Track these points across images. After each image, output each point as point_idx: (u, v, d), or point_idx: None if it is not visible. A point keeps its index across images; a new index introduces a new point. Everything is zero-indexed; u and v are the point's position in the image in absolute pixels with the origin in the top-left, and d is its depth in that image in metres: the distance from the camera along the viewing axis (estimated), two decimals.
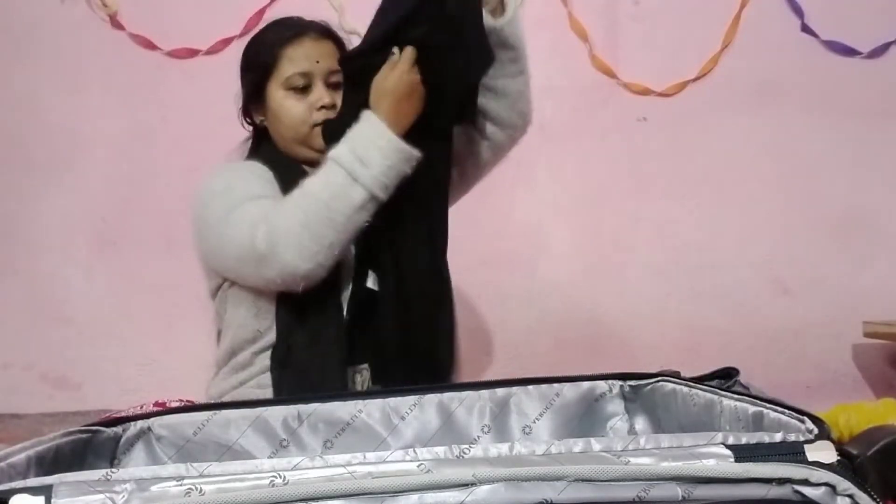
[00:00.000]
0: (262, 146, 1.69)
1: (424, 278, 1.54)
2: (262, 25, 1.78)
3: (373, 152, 1.42)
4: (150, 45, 2.74)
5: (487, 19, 1.51)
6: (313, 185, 1.45)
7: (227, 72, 2.74)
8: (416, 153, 1.44)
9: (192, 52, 2.74)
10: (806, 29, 2.80)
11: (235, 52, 2.71)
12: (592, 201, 2.81)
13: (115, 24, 2.74)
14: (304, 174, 1.55)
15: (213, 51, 2.73)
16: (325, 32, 1.65)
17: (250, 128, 1.72)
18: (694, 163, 2.81)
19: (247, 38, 2.71)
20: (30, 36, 2.74)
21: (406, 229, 1.51)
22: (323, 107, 1.58)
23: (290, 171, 1.59)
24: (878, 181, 2.83)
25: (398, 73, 1.43)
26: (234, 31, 2.73)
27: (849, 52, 2.81)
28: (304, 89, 1.59)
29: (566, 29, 2.79)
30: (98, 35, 2.74)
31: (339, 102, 1.58)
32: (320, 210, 1.42)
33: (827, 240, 2.81)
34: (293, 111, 1.60)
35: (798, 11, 2.80)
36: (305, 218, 1.42)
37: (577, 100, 2.80)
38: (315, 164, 1.56)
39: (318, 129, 1.57)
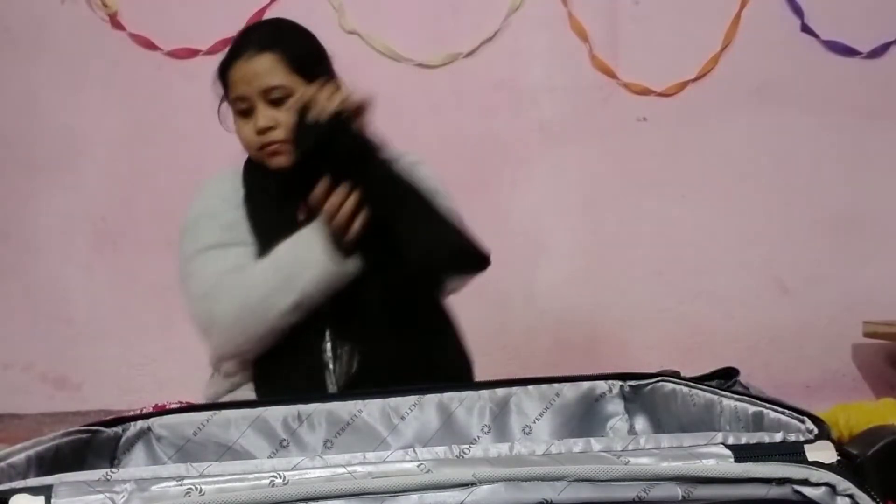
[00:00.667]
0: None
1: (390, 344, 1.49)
2: None
3: (309, 265, 1.42)
4: (150, 45, 2.74)
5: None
6: (255, 276, 1.45)
7: None
8: (351, 269, 1.42)
9: (192, 52, 2.74)
10: (806, 29, 2.80)
11: None
12: (592, 201, 2.81)
13: (115, 24, 2.74)
14: (274, 184, 1.56)
15: (213, 51, 2.73)
16: (263, 45, 1.57)
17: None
18: (694, 163, 2.81)
19: None
20: (30, 36, 2.74)
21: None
22: (259, 131, 1.54)
23: (264, 182, 1.59)
24: (877, 181, 2.83)
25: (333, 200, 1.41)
26: (234, 31, 2.70)
27: (849, 52, 2.81)
28: (248, 112, 1.56)
29: (566, 29, 2.79)
30: (98, 35, 2.74)
31: (282, 120, 1.53)
32: (255, 306, 1.43)
33: (827, 240, 2.81)
34: (242, 135, 1.58)
35: (798, 11, 2.80)
36: (240, 312, 1.44)
37: (577, 100, 2.81)
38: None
39: (269, 150, 1.55)
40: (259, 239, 1.53)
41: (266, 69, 1.55)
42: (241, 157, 1.70)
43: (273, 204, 1.57)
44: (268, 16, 2.72)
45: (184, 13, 2.75)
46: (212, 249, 1.53)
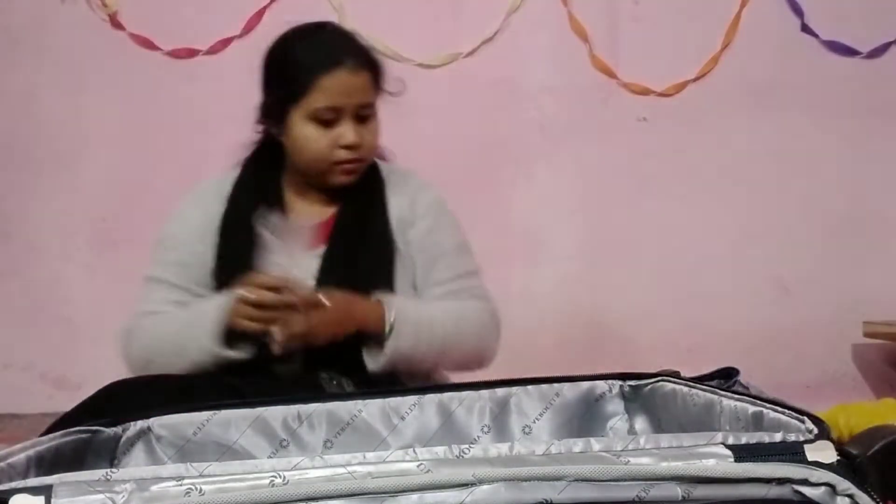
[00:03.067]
0: (267, 159, 1.61)
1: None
2: (283, 26, 1.64)
3: (195, 342, 1.44)
4: (150, 45, 2.74)
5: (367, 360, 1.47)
6: (160, 333, 1.51)
7: (227, 72, 2.77)
8: (238, 356, 1.43)
9: (192, 52, 2.74)
10: (806, 29, 2.80)
11: (235, 52, 2.75)
12: (592, 201, 2.81)
13: (115, 24, 2.74)
14: (280, 187, 1.58)
15: (213, 51, 2.73)
16: (364, 60, 1.53)
17: (260, 134, 1.64)
18: (694, 163, 2.81)
19: (247, 39, 2.78)
20: (30, 36, 2.74)
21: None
22: (347, 146, 1.51)
23: (272, 180, 1.59)
24: (877, 181, 2.83)
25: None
26: (234, 31, 2.73)
27: (849, 52, 2.81)
28: (331, 122, 1.50)
29: (566, 29, 2.79)
30: (98, 35, 2.74)
31: (365, 139, 1.52)
32: (159, 360, 1.48)
33: (827, 240, 2.81)
34: (314, 145, 1.51)
35: (798, 11, 2.80)
36: (146, 363, 1.50)
37: (577, 100, 2.80)
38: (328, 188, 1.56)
39: (338, 168, 1.52)
40: (220, 258, 1.55)
41: (367, 85, 1.53)
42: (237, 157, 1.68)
43: (259, 217, 1.56)
44: (268, 16, 2.72)
45: (184, 13, 2.75)
46: (155, 283, 1.58)
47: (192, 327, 1.45)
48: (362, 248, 1.55)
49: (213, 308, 1.44)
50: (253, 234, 1.54)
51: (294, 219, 1.58)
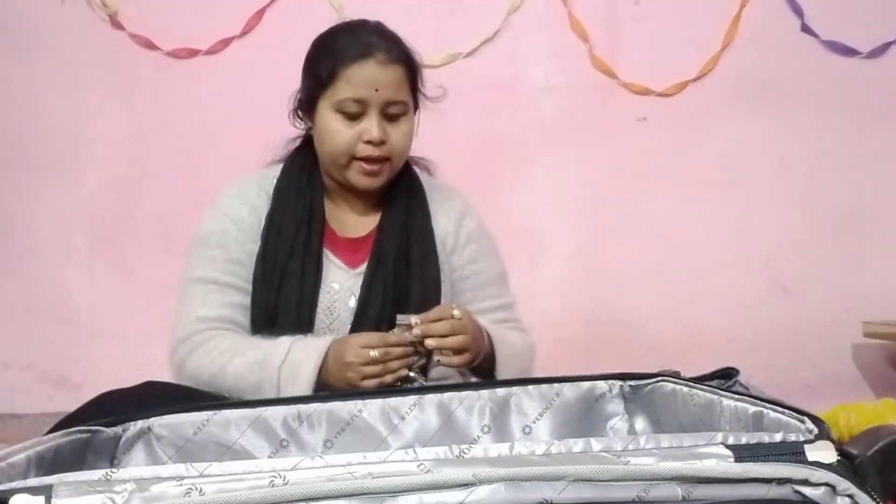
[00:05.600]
0: (303, 153, 1.58)
1: None
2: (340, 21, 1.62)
3: (288, 389, 1.35)
4: (150, 45, 2.74)
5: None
6: (234, 364, 1.40)
7: (227, 72, 2.77)
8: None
9: (192, 52, 2.74)
10: (806, 29, 2.80)
11: (235, 52, 2.75)
12: (592, 201, 2.81)
13: (115, 24, 2.74)
14: (319, 193, 1.52)
15: (213, 51, 2.73)
16: (396, 55, 1.49)
17: (302, 127, 1.60)
18: (694, 163, 2.81)
19: (247, 39, 2.78)
20: (30, 36, 2.74)
21: None
22: (370, 141, 1.46)
23: (311, 186, 1.53)
24: (877, 181, 2.83)
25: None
26: (234, 31, 2.73)
27: (849, 52, 2.81)
28: (356, 116, 1.46)
29: (566, 29, 2.79)
30: (98, 35, 2.74)
31: (392, 139, 1.47)
32: (221, 385, 1.40)
33: (827, 240, 2.81)
34: (337, 136, 1.47)
35: (798, 11, 2.80)
36: (207, 382, 1.41)
37: (577, 100, 2.80)
38: (350, 189, 1.52)
39: (357, 164, 1.48)
40: (266, 260, 1.48)
41: (397, 81, 1.48)
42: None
43: (300, 226, 1.50)
44: (268, 16, 2.73)
45: (184, 13, 2.75)
46: (209, 284, 1.48)
47: (279, 371, 1.37)
48: (408, 269, 1.51)
49: (312, 359, 1.36)
50: (296, 242, 1.49)
51: (335, 228, 1.54)
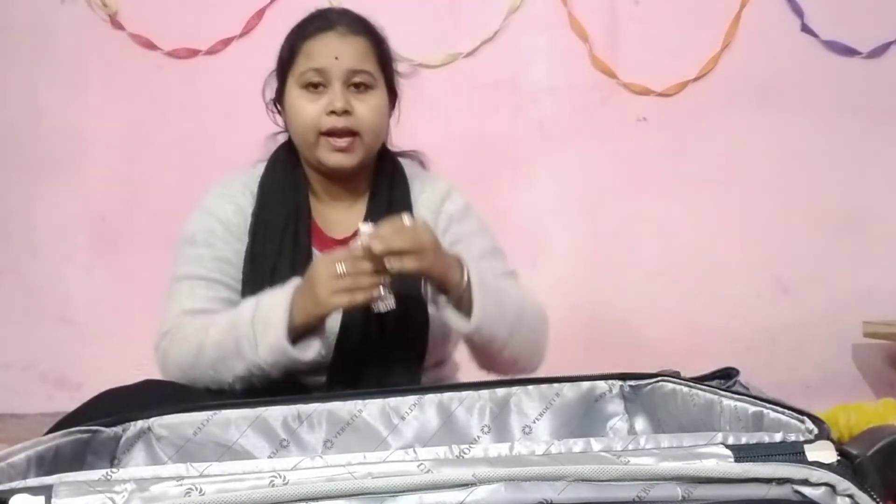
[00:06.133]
0: (286, 150, 1.56)
1: None
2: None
3: (265, 340, 1.30)
4: (150, 45, 2.74)
5: (457, 322, 1.36)
6: (211, 336, 1.35)
7: (227, 72, 2.77)
8: (303, 358, 1.31)
9: (192, 52, 2.74)
10: (806, 29, 2.80)
11: (235, 52, 2.75)
12: (592, 201, 2.81)
13: (115, 24, 2.74)
14: (303, 190, 1.50)
15: (213, 51, 2.73)
16: (358, 28, 1.49)
17: (281, 123, 1.58)
18: (694, 163, 2.81)
19: (247, 39, 2.78)
20: (30, 36, 2.75)
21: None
22: (333, 112, 1.43)
23: (295, 183, 1.52)
24: (877, 181, 2.83)
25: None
26: (234, 31, 2.74)
27: (849, 52, 2.81)
28: (318, 87, 1.45)
29: (566, 29, 2.79)
30: (98, 35, 2.74)
31: (359, 110, 1.45)
32: (205, 366, 1.35)
33: (827, 240, 2.81)
34: (303, 112, 1.45)
35: (798, 11, 2.80)
36: (190, 369, 1.37)
37: (577, 100, 2.80)
38: (327, 173, 1.50)
39: (325, 141, 1.45)
40: (255, 259, 1.47)
41: (360, 51, 1.47)
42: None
43: (287, 224, 1.48)
44: (268, 16, 2.73)
45: (184, 13, 2.75)
46: (196, 280, 1.47)
47: (250, 334, 1.31)
48: None
49: (280, 303, 1.31)
50: (284, 241, 1.47)
51: (321, 226, 1.53)
